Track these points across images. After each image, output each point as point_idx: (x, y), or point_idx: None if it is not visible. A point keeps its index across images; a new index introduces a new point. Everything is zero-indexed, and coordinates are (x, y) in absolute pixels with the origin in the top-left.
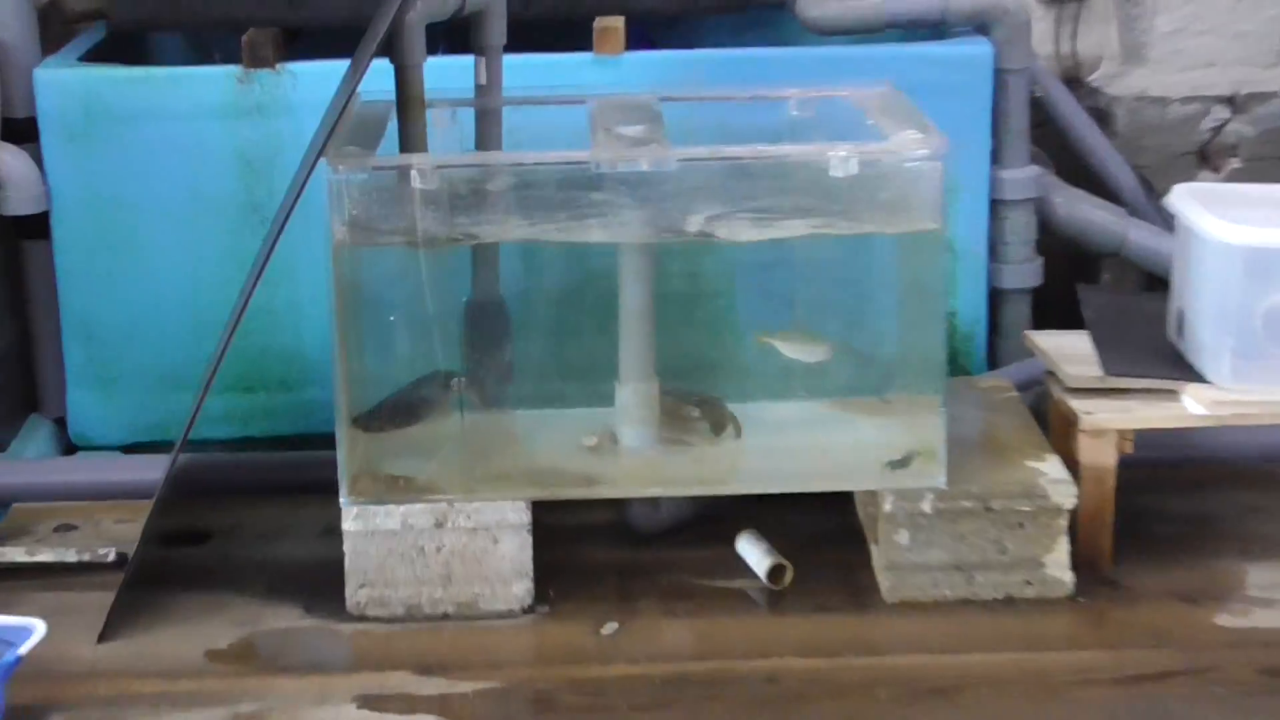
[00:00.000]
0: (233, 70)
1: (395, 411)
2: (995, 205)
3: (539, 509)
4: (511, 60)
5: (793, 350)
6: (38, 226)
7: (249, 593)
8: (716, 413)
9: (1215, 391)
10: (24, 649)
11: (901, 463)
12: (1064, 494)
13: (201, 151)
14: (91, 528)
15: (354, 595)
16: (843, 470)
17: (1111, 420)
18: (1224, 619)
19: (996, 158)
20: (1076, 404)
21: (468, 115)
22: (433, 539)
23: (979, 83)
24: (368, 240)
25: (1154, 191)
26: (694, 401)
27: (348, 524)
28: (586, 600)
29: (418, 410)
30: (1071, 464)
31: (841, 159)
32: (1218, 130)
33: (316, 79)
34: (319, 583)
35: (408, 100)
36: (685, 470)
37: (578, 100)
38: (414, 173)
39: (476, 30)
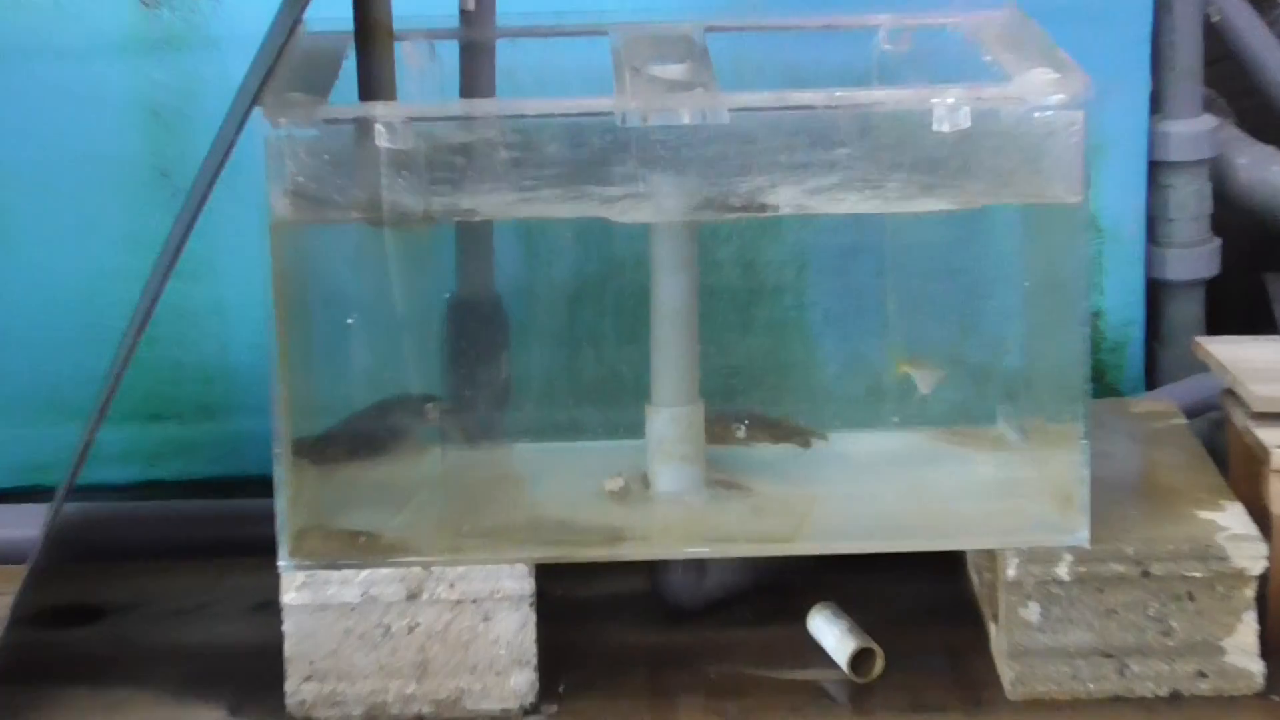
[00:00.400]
0: None
1: (354, 442)
2: (1156, 169)
3: (545, 575)
4: None
5: (930, 381)
6: None
7: (156, 687)
8: (784, 428)
9: None
10: None
11: None
12: (1250, 554)
13: (93, 99)
14: None
15: (296, 691)
16: (950, 523)
17: None
18: None
19: (1158, 105)
20: (1266, 434)
21: (450, 51)
22: (404, 615)
23: (1134, 2)
24: (317, 217)
25: None
26: (744, 420)
27: (289, 596)
28: (608, 697)
29: (384, 442)
30: (1260, 514)
31: (949, 107)
32: None
33: (246, 1)
34: (250, 674)
35: (370, 30)
36: (740, 523)
37: (597, 31)
38: (379, 127)
39: None
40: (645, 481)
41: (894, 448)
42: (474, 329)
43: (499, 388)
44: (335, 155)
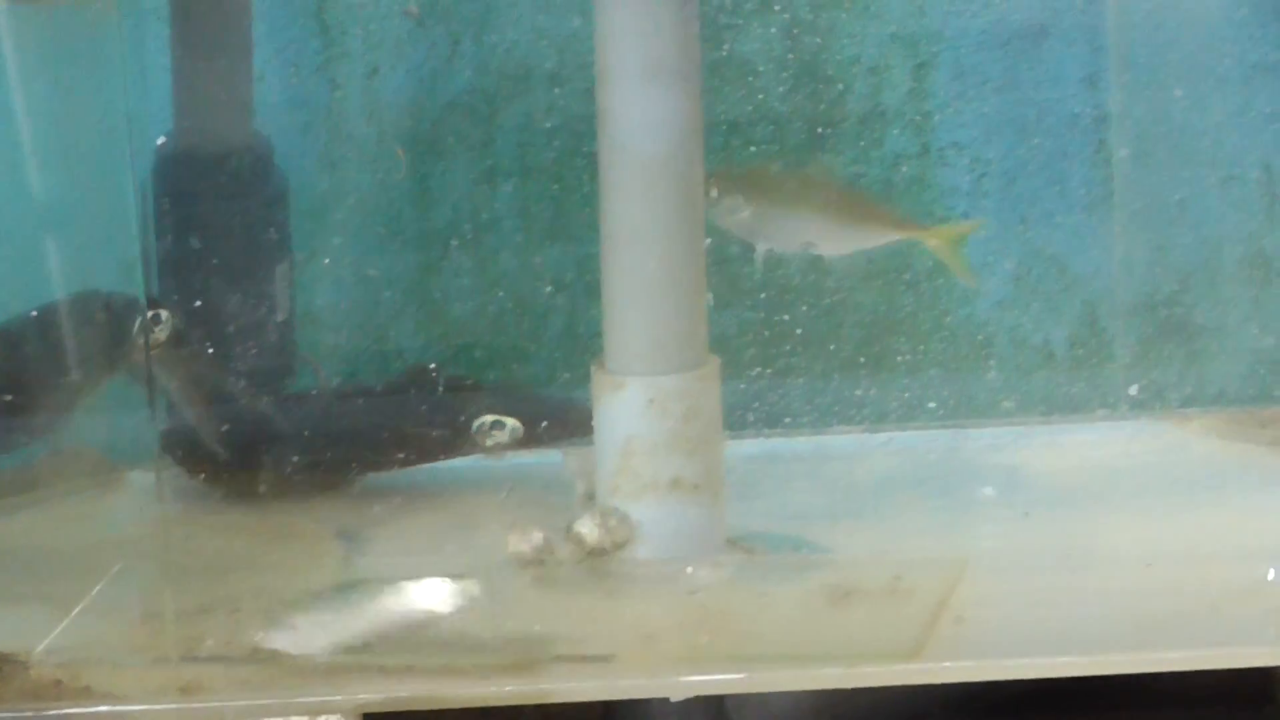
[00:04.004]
0: None
1: None
2: None
3: None
4: None
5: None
6: None
7: None
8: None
9: None
10: None
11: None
12: None
13: None
14: None
15: None
16: (1262, 610)
17: None
18: None
19: None
20: None
21: None
22: None
23: None
24: None
25: None
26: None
27: None
28: None
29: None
30: None
31: None
32: None
33: None
34: None
35: None
36: (804, 622)
37: None
38: None
39: None
40: (595, 535)
41: (1131, 452)
42: (211, 209)
43: (269, 336)
44: None
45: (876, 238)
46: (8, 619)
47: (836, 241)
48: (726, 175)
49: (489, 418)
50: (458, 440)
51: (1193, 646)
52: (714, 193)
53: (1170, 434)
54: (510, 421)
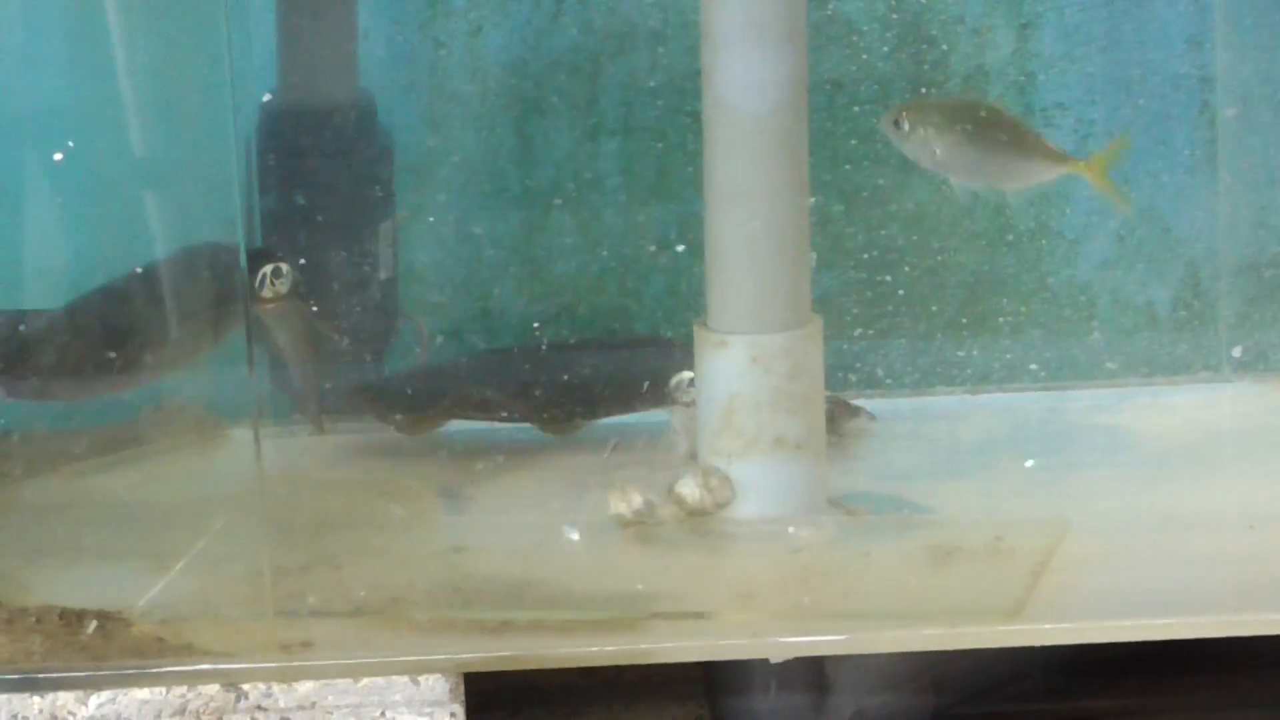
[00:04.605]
0: None
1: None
2: None
3: (488, 702)
4: None
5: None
6: None
7: None
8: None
9: None
10: None
11: None
12: None
13: None
14: None
15: None
16: None
17: None
18: None
19: None
20: None
21: None
22: None
23: None
24: None
25: None
26: None
27: None
28: None
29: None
30: None
31: None
32: None
33: None
34: None
35: None
36: (905, 581)
37: None
38: None
39: None
40: (696, 495)
41: (1233, 414)
42: (316, 166)
43: (373, 295)
44: None
45: (1048, 173)
46: (110, 575)
47: (1018, 177)
48: (919, 108)
49: (687, 374)
50: (653, 395)
51: None
52: (905, 125)
53: (1273, 396)
54: None
